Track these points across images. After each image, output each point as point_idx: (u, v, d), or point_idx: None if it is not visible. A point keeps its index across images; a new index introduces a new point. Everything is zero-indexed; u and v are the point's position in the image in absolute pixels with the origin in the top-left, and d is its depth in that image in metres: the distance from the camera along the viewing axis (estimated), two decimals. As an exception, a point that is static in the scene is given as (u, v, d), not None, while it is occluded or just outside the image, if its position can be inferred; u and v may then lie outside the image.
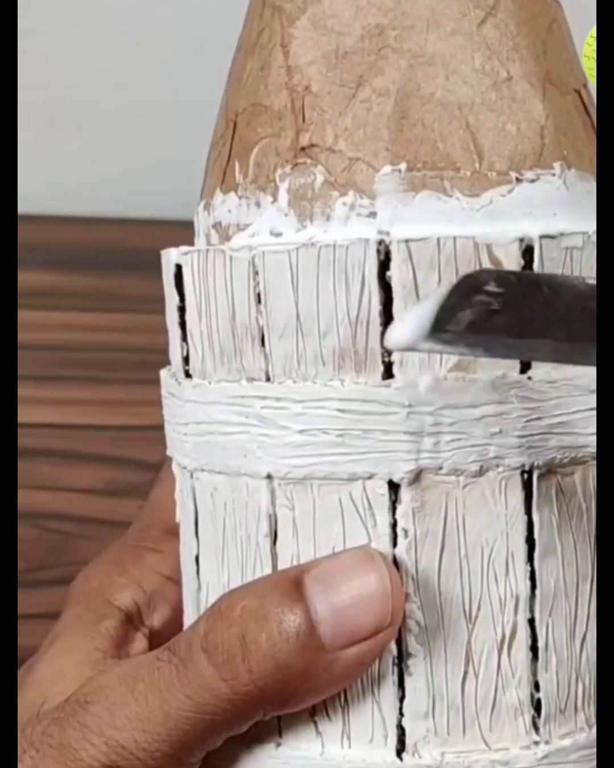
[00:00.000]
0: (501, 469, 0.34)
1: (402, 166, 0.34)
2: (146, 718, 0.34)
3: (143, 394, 0.63)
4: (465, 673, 0.35)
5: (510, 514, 0.34)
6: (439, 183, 0.34)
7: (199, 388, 0.36)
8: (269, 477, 0.35)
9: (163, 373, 0.40)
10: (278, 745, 0.36)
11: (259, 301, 0.35)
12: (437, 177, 0.34)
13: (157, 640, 0.41)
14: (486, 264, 0.34)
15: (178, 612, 0.41)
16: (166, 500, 0.43)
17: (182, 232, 0.64)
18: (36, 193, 0.70)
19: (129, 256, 0.69)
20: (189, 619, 0.39)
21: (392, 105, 0.35)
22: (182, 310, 0.37)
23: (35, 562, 0.65)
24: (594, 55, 0.36)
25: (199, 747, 0.35)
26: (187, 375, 0.37)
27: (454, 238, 0.33)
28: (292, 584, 0.34)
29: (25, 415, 0.62)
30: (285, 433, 0.35)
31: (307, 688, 0.34)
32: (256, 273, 0.35)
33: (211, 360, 0.36)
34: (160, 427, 0.64)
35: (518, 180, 0.35)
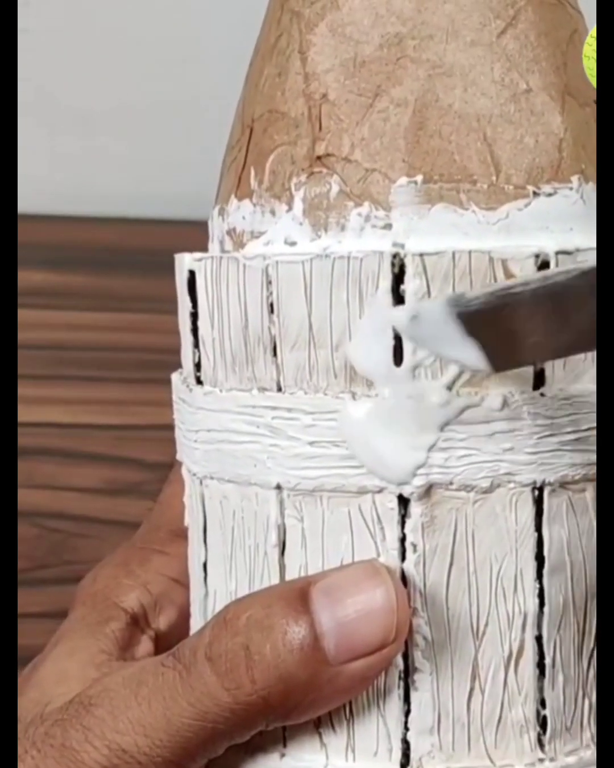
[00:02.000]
0: (512, 485, 0.34)
1: (419, 177, 0.34)
2: (148, 723, 0.34)
3: (143, 393, 0.63)
4: (472, 689, 0.35)
5: (520, 530, 0.34)
6: (455, 196, 0.34)
7: (210, 396, 0.36)
8: (279, 487, 0.35)
9: (175, 378, 0.39)
10: (282, 755, 0.36)
11: (271, 310, 0.35)
12: (453, 189, 0.34)
13: (162, 642, 0.41)
14: (501, 279, 0.33)
15: (184, 615, 0.41)
16: (175, 502, 0.43)
17: (182, 231, 0.64)
18: (36, 192, 0.70)
19: (129, 256, 0.69)
20: (196, 624, 0.39)
21: (409, 115, 0.34)
22: (195, 316, 0.37)
23: (35, 561, 0.65)
24: (594, 55, 0.35)
25: (200, 754, 0.35)
26: (199, 381, 0.37)
27: (470, 252, 0.33)
28: (298, 596, 0.34)
29: (25, 414, 0.62)
30: (295, 444, 0.35)
31: (310, 700, 0.34)
32: (270, 282, 0.34)
33: (222, 368, 0.36)
34: (160, 427, 0.64)
35: (535, 194, 0.34)
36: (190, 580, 0.40)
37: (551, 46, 0.36)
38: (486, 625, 0.34)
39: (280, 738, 0.36)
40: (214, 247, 0.38)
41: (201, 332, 0.37)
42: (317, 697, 0.34)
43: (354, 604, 0.33)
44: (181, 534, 0.42)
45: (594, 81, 0.35)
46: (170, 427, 0.61)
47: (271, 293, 0.34)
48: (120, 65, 0.73)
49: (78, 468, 0.66)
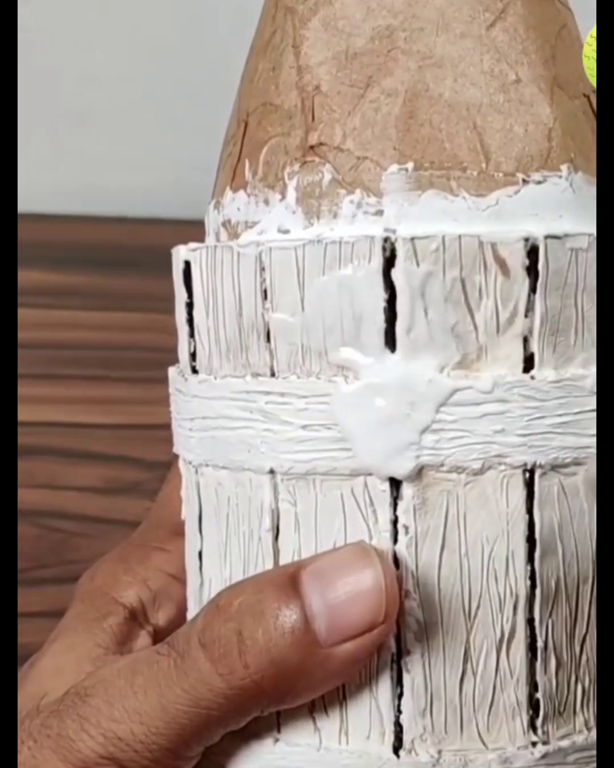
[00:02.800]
0: (503, 467, 0.34)
1: (410, 165, 0.35)
2: (144, 711, 0.35)
3: (143, 392, 0.64)
4: (464, 671, 0.35)
5: (511, 512, 0.34)
6: (446, 182, 0.35)
7: (204, 384, 0.37)
8: (272, 472, 0.35)
9: (172, 371, 0.40)
10: (276, 740, 0.36)
11: (265, 296, 0.35)
12: (444, 176, 0.35)
13: (161, 638, 0.41)
14: (491, 263, 0.34)
15: (182, 611, 0.41)
16: (174, 500, 0.43)
17: (182, 230, 0.64)
18: (36, 191, 0.70)
19: (129, 255, 0.70)
20: (192, 614, 0.39)
21: (400, 105, 0.35)
22: (190, 306, 0.37)
23: (35, 560, 0.65)
24: (594, 55, 0.36)
25: (196, 741, 0.35)
26: (194, 371, 0.38)
27: (459, 236, 0.34)
28: (289, 580, 0.34)
29: (24, 413, 0.63)
30: (288, 428, 0.35)
31: (303, 683, 0.34)
32: (263, 269, 0.35)
33: (217, 356, 0.37)
34: (159, 426, 0.64)
35: (525, 181, 0.35)
36: (186, 572, 0.40)
37: (540, 39, 0.36)
38: (478, 607, 0.34)
39: (274, 723, 0.36)
40: (210, 239, 0.39)
41: (196, 322, 0.37)
42: (310, 681, 0.34)
43: (343, 586, 0.33)
44: (181, 531, 0.42)
45: (594, 81, 0.36)
46: (170, 427, 0.62)
47: (265, 279, 0.35)
48: (120, 65, 0.74)
49: (78, 467, 0.67)
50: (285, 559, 0.36)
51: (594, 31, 0.35)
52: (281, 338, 0.35)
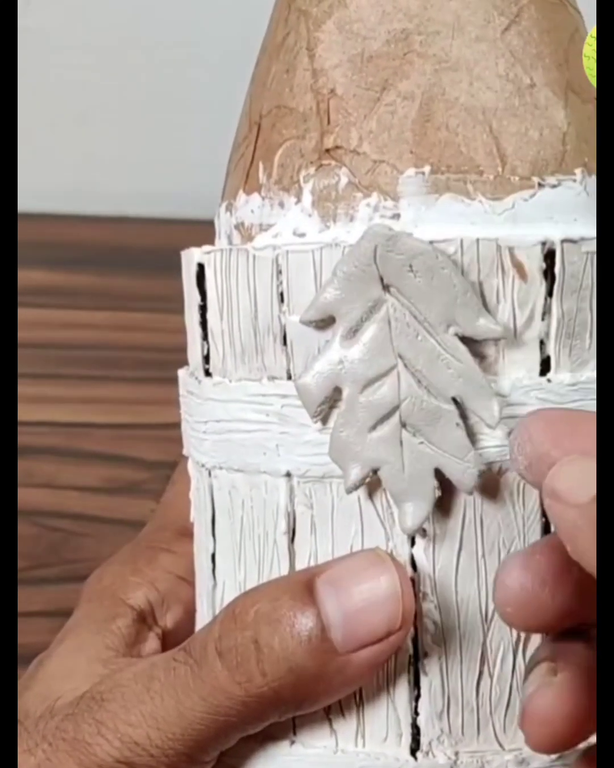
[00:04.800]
0: (519, 470, 0.34)
1: (426, 168, 0.35)
2: (161, 717, 0.35)
3: (143, 392, 0.64)
4: (481, 673, 0.35)
5: (527, 515, 0.35)
6: (462, 186, 0.35)
7: (219, 387, 0.37)
8: (288, 475, 0.35)
9: (182, 373, 0.40)
10: (292, 742, 0.36)
11: (281, 300, 0.35)
12: (460, 180, 0.35)
13: (169, 640, 0.41)
14: (509, 266, 0.34)
15: (190, 612, 0.41)
16: (180, 502, 0.43)
17: (182, 230, 0.64)
18: (36, 191, 0.70)
19: (129, 255, 0.70)
20: (202, 617, 0.39)
21: (417, 109, 0.35)
22: (203, 308, 0.37)
23: (34, 559, 0.65)
24: (594, 55, 0.36)
25: (212, 746, 0.35)
26: (207, 373, 0.38)
27: (477, 239, 0.34)
28: (304, 587, 0.34)
29: (24, 413, 0.63)
30: (305, 431, 0.35)
31: (320, 690, 0.34)
32: (280, 272, 0.35)
33: (231, 358, 0.37)
34: (160, 426, 0.65)
35: (540, 185, 0.35)
36: (195, 574, 0.40)
37: (553, 44, 0.36)
38: (495, 610, 0.35)
39: (289, 726, 0.36)
40: (221, 242, 0.39)
41: (210, 324, 0.37)
42: (327, 687, 0.34)
43: (359, 593, 0.34)
44: (187, 533, 0.42)
45: (594, 81, 0.36)
46: (170, 426, 0.61)
47: (281, 283, 0.35)
48: (120, 65, 0.73)
49: (78, 467, 0.67)
50: (301, 561, 0.36)
51: (594, 31, 0.36)
52: (298, 341, 0.35)
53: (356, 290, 0.34)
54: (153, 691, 0.35)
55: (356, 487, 0.34)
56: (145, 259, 0.67)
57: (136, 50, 0.73)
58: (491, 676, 0.35)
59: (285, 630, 0.34)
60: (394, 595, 0.33)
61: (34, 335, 0.68)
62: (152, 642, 0.41)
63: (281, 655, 0.34)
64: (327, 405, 0.34)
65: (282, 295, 0.35)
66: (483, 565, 0.35)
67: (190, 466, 0.40)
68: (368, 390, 0.34)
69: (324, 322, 0.34)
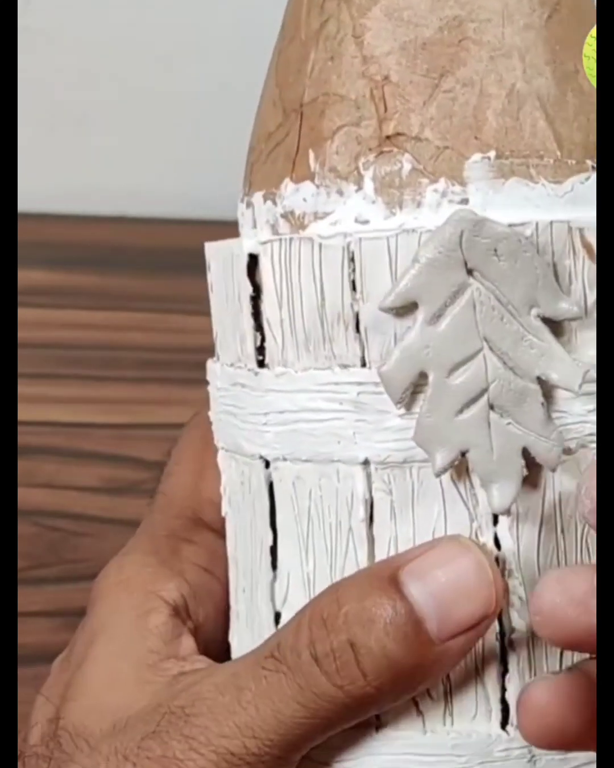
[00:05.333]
0: (594, 445, 0.35)
1: (491, 154, 0.35)
2: (257, 726, 0.34)
3: (143, 392, 0.63)
4: (563, 645, 0.36)
5: None
6: (526, 170, 0.36)
7: (283, 377, 0.36)
8: (366, 462, 0.35)
9: (214, 365, 0.39)
10: (378, 727, 0.36)
11: (354, 288, 0.35)
12: (523, 164, 0.35)
13: (200, 636, 0.40)
14: (579, 247, 0.35)
15: (218, 606, 0.41)
16: (184, 492, 0.42)
17: (182, 230, 0.64)
18: (36, 191, 0.68)
19: (128, 255, 0.69)
20: (242, 611, 0.39)
21: (477, 95, 0.36)
22: (255, 299, 0.37)
23: (34, 559, 0.64)
24: (594, 55, 0.37)
25: (307, 745, 0.35)
26: (261, 364, 0.37)
27: (551, 222, 0.35)
28: (389, 582, 0.34)
29: (24, 412, 0.61)
30: (384, 417, 0.35)
31: (418, 680, 0.34)
32: (351, 260, 0.35)
33: (293, 348, 0.36)
34: (160, 426, 0.64)
35: (593, 168, 0.36)
36: (237, 568, 0.40)
37: (588, 33, 0.37)
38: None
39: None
40: (261, 233, 0.38)
41: (266, 315, 0.37)
42: (426, 676, 0.34)
43: (448, 582, 0.34)
44: (201, 523, 0.41)
45: (594, 81, 0.37)
46: (170, 426, 0.61)
47: (354, 270, 0.35)
48: (120, 64, 0.72)
49: (78, 467, 0.66)
50: (380, 548, 0.36)
51: (594, 31, 0.37)
52: (373, 329, 0.35)
53: (440, 275, 0.34)
54: (244, 701, 0.35)
55: (445, 471, 0.34)
56: (145, 259, 0.66)
57: (137, 50, 0.72)
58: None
59: (379, 628, 0.34)
60: (486, 579, 0.34)
61: (34, 335, 0.66)
62: (187, 639, 0.40)
63: (380, 654, 0.34)
64: (410, 391, 0.35)
65: (354, 283, 0.35)
66: (562, 540, 0.36)
67: (225, 459, 0.40)
68: (455, 374, 0.34)
69: (405, 309, 0.34)
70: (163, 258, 0.59)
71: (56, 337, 0.68)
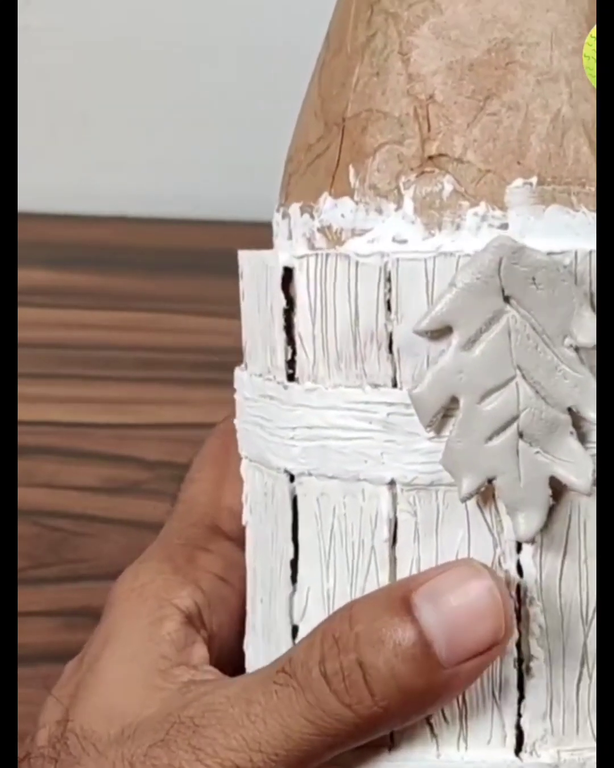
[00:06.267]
0: (622, 476, 0.35)
1: (533, 179, 0.35)
2: (264, 740, 0.34)
3: (143, 392, 0.63)
4: (580, 674, 0.36)
5: None
6: (567, 198, 0.35)
7: (314, 393, 0.36)
8: (392, 483, 0.35)
9: (242, 375, 0.39)
10: (390, 749, 0.36)
11: (388, 308, 0.35)
12: (565, 191, 0.35)
13: (214, 644, 0.40)
14: (618, 278, 0.35)
15: (233, 615, 0.41)
16: (203, 499, 0.42)
17: (182, 230, 0.63)
18: (36, 190, 0.69)
19: (129, 255, 0.69)
20: (257, 623, 0.39)
21: (522, 119, 0.35)
22: (288, 312, 0.37)
23: (34, 559, 0.64)
24: (594, 55, 0.37)
25: (314, 762, 0.35)
26: (291, 378, 0.37)
27: (590, 252, 0.34)
28: (401, 604, 0.34)
29: (24, 412, 0.62)
30: (414, 439, 0.35)
31: (427, 703, 0.34)
32: (388, 280, 0.35)
33: (324, 365, 0.36)
34: (159, 426, 0.64)
35: None
36: (255, 579, 0.40)
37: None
38: (595, 610, 0.36)
39: (387, 733, 0.36)
40: (297, 245, 0.38)
41: (298, 329, 0.37)
42: (435, 699, 0.34)
43: (460, 607, 0.34)
44: (219, 531, 0.41)
45: (594, 81, 0.37)
46: (170, 426, 0.61)
47: (390, 290, 0.35)
48: (120, 64, 0.72)
49: (78, 466, 0.66)
50: (402, 569, 0.36)
51: (594, 31, 0.36)
52: (406, 350, 0.35)
53: (476, 301, 0.34)
54: (253, 714, 0.35)
55: (471, 497, 0.34)
56: (145, 259, 0.66)
57: (137, 50, 0.72)
58: (590, 677, 0.36)
59: (388, 650, 0.34)
60: (496, 606, 0.34)
61: (34, 335, 0.67)
62: (200, 647, 0.40)
63: (388, 675, 0.34)
64: (440, 414, 0.34)
65: (389, 303, 0.35)
66: (585, 569, 0.35)
67: (249, 469, 0.40)
68: (486, 400, 0.34)
69: (439, 333, 0.34)
70: (163, 258, 0.59)
71: (56, 337, 0.68)
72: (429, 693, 0.34)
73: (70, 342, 0.68)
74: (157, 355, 0.61)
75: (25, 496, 0.62)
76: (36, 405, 0.66)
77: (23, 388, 0.61)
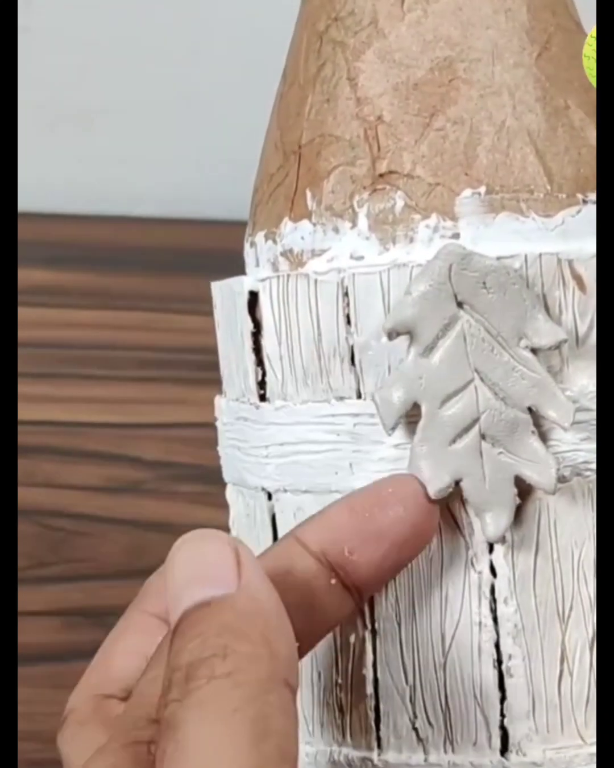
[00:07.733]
0: (588, 473, 0.36)
1: (482, 189, 0.36)
2: None
3: (143, 391, 0.64)
4: (561, 671, 0.36)
5: (596, 516, 0.36)
6: (516, 205, 0.36)
7: (283, 410, 0.37)
8: (362, 492, 0.36)
9: (220, 401, 0.40)
10: (379, 755, 0.37)
11: (348, 322, 0.36)
12: (514, 199, 0.36)
13: None
14: (569, 278, 0.36)
15: None
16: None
17: (182, 230, 0.64)
18: (36, 190, 0.70)
19: (128, 254, 0.70)
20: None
21: (468, 133, 0.36)
22: (256, 335, 0.38)
23: (34, 559, 0.65)
24: (594, 55, 0.38)
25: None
26: (263, 399, 0.38)
27: (540, 254, 0.35)
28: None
29: (24, 412, 0.62)
30: (379, 448, 0.36)
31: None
32: (346, 295, 0.36)
33: (292, 383, 0.37)
34: (159, 426, 0.64)
35: (584, 201, 0.37)
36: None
37: (579, 68, 0.38)
38: (571, 609, 0.36)
39: (374, 739, 0.37)
40: (262, 271, 0.39)
41: (266, 350, 0.38)
42: None
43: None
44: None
45: (594, 81, 0.38)
46: (170, 426, 0.61)
47: (348, 305, 0.36)
48: (120, 64, 0.73)
49: (77, 466, 0.67)
50: (379, 576, 0.36)
51: (594, 31, 0.37)
52: (367, 361, 0.36)
53: (432, 308, 0.35)
54: None
55: (438, 499, 0.35)
56: (145, 259, 0.67)
57: (137, 50, 0.73)
58: (571, 674, 0.36)
59: None
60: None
61: (34, 335, 0.67)
62: None
63: None
64: (402, 418, 0.35)
65: (348, 317, 0.36)
66: (558, 568, 0.36)
67: (233, 493, 0.41)
68: (447, 404, 0.35)
69: (400, 337, 0.35)
70: (163, 258, 0.60)
71: (56, 337, 0.69)
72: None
73: (70, 341, 0.69)
74: (157, 355, 0.62)
75: (25, 495, 0.62)
76: (36, 405, 0.67)
77: (23, 388, 0.61)
